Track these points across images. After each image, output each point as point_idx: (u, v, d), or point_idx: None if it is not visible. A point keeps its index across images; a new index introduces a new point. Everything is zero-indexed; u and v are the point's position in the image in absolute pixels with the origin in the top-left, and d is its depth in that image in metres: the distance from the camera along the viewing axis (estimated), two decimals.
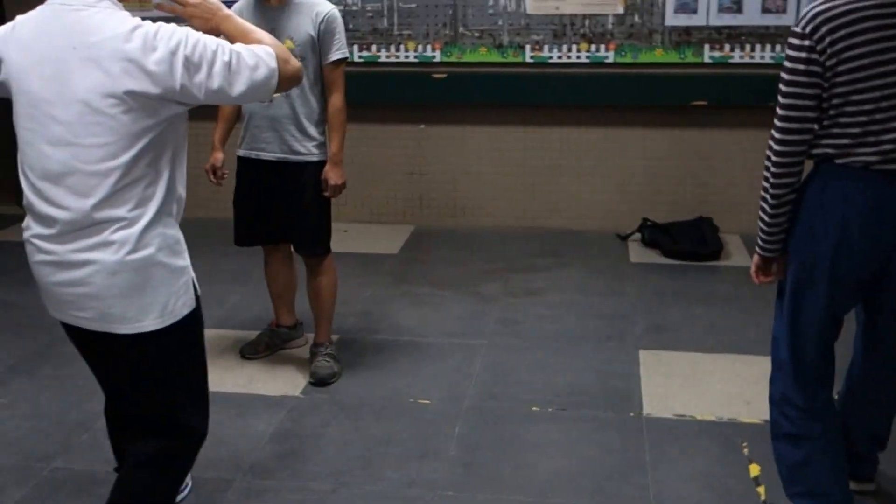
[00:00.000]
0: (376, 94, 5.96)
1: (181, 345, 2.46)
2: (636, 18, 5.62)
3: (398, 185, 6.13)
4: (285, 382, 3.92)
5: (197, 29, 2.33)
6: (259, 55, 2.28)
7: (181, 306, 2.39)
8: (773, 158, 2.56)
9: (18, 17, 2.34)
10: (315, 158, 3.78)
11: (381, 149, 6.08)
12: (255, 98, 2.37)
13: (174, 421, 2.51)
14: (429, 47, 5.84)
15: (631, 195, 5.90)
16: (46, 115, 2.22)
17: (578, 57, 5.72)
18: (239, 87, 2.25)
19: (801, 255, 2.61)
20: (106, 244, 2.26)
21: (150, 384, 2.46)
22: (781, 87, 2.53)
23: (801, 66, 2.48)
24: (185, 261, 2.41)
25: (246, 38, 2.36)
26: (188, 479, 3.13)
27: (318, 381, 3.88)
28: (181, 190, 2.41)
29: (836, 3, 2.44)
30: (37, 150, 2.26)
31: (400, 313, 4.66)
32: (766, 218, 2.62)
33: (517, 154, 5.96)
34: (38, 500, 3.09)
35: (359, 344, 4.30)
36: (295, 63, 2.36)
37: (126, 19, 2.22)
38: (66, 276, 2.30)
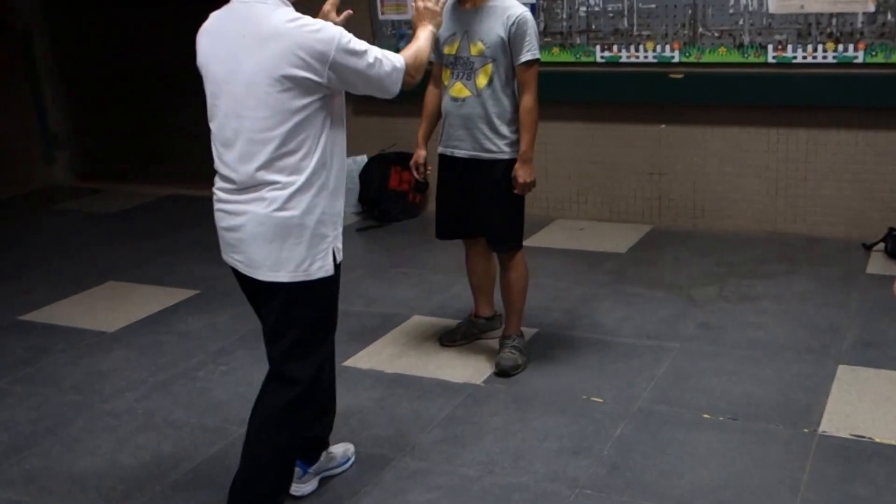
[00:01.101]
0: (617, 94, 5.93)
1: (309, 303, 2.76)
2: (889, 17, 5.15)
3: (638, 184, 6.05)
4: (471, 370, 4.06)
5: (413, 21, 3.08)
6: (393, 62, 2.73)
7: (316, 269, 2.71)
8: None
9: (211, 14, 2.79)
10: (506, 156, 3.88)
11: (621, 148, 6.03)
12: (380, 92, 2.76)
13: (293, 365, 2.80)
14: (668, 47, 5.70)
15: (880, 203, 5.42)
16: (223, 91, 2.66)
17: (825, 57, 5.34)
18: (373, 78, 2.69)
19: None
20: (260, 199, 2.65)
21: (272, 331, 2.80)
22: None
23: None
24: (329, 230, 2.72)
25: (410, 46, 2.91)
26: (350, 453, 3.38)
27: (501, 372, 3.99)
28: (334, 167, 2.72)
29: None
30: (218, 121, 2.70)
31: (603, 311, 4.64)
32: None
33: (759, 156, 5.67)
34: (225, 458, 3.46)
35: (554, 339, 4.35)
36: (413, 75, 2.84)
37: (289, 13, 2.61)
38: (230, 222, 2.74)
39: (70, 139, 8.49)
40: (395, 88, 2.76)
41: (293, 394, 2.81)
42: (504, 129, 3.86)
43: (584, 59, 5.96)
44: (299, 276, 2.70)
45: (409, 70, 2.78)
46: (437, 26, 3.09)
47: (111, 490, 3.33)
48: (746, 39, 5.50)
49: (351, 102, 6.50)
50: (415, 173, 4.12)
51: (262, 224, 2.66)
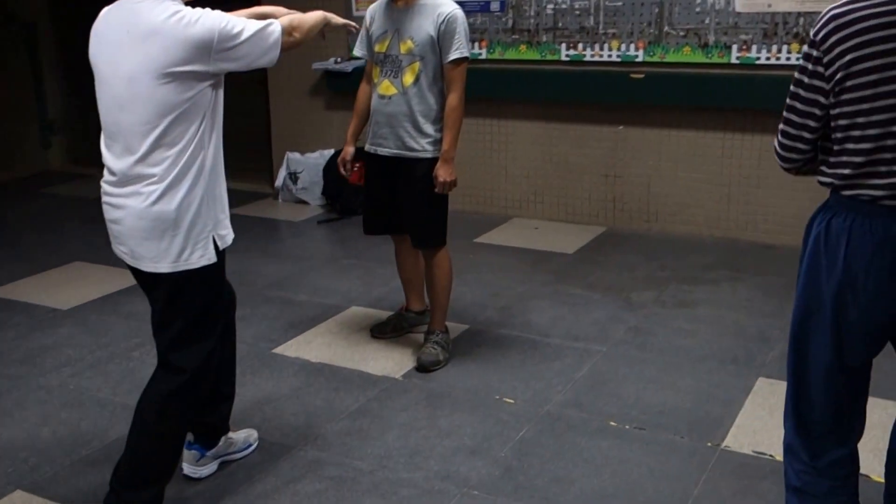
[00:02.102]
0: (578, 93, 5.83)
1: (192, 292, 2.72)
2: None
3: (593, 185, 5.95)
4: (393, 364, 4.00)
5: None
6: (271, 30, 2.69)
7: (197, 258, 2.67)
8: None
9: (102, 11, 2.71)
10: (429, 155, 3.80)
11: (579, 149, 5.93)
12: (266, 63, 2.71)
13: (180, 353, 2.76)
14: (632, 46, 5.60)
15: None
16: (108, 86, 2.62)
17: (788, 58, 5.23)
18: (255, 53, 2.65)
19: (805, 298, 2.27)
20: (137, 194, 2.61)
21: (159, 321, 2.76)
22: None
23: (805, 78, 2.16)
24: (208, 219, 2.67)
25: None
26: (252, 439, 3.33)
27: (420, 367, 3.92)
28: (211, 158, 2.68)
29: (854, 4, 2.08)
30: (102, 115, 2.66)
31: (538, 311, 4.56)
32: None
33: (715, 160, 5.57)
34: None
35: (482, 336, 4.28)
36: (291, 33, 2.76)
37: (170, 7, 2.54)
38: (113, 214, 2.70)
39: (66, 126, 8.63)
40: (276, 54, 2.72)
41: (178, 382, 2.77)
42: (428, 128, 3.78)
43: (549, 57, 5.87)
44: (181, 266, 2.67)
45: (285, 29, 2.73)
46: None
47: (23, 462, 3.30)
48: (711, 39, 5.40)
49: (324, 97, 6.56)
50: (341, 169, 4.06)
51: (140, 218, 2.64)
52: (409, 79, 3.74)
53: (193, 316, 2.77)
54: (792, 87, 2.20)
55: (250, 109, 7.08)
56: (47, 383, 3.90)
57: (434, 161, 3.79)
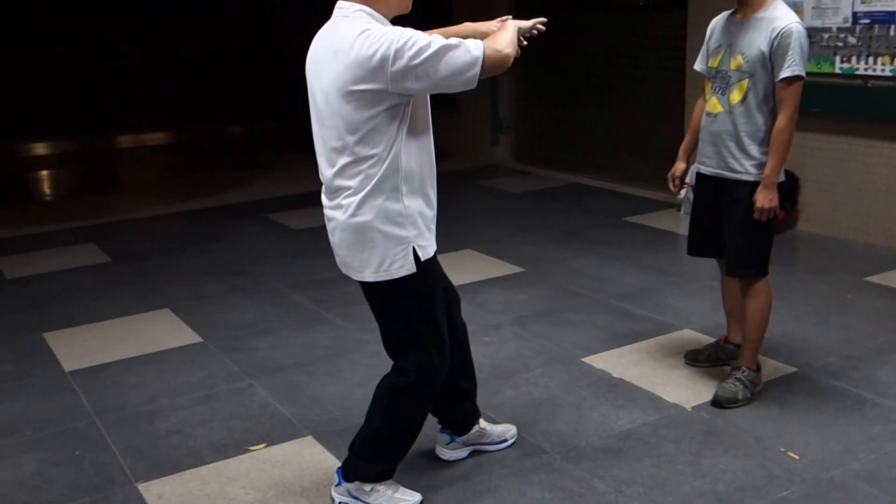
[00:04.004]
0: None
1: (398, 300, 2.76)
2: None
3: None
4: (690, 393, 3.71)
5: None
6: (465, 51, 2.50)
7: (397, 268, 2.69)
8: None
9: None
10: (752, 178, 3.46)
11: None
12: (458, 84, 2.53)
13: (402, 356, 2.85)
14: None
15: None
16: (313, 102, 2.71)
17: None
18: (442, 73, 2.49)
19: None
20: (339, 206, 2.70)
21: (379, 325, 2.86)
22: None
23: None
24: (405, 231, 2.68)
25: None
26: (509, 435, 3.36)
27: (715, 402, 3.60)
28: (408, 171, 2.65)
29: None
30: (313, 129, 2.74)
31: (889, 369, 3.88)
32: None
33: None
34: None
35: (805, 383, 3.78)
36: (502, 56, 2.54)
37: (359, 25, 2.52)
38: (328, 225, 2.81)
39: (514, 126, 9.27)
40: (471, 75, 2.50)
41: (402, 382, 2.85)
42: (754, 150, 3.45)
43: None
44: (382, 276, 2.70)
45: (489, 47, 2.53)
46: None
47: (328, 413, 3.68)
48: None
49: None
50: (670, 185, 3.86)
51: (343, 230, 2.71)
52: (736, 97, 3.45)
53: (403, 324, 2.81)
54: None
55: (669, 116, 6.96)
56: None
57: (756, 185, 3.45)
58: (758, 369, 3.69)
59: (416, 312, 2.79)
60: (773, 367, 3.91)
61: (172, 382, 4.06)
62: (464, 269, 5.49)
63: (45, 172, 10.75)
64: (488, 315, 4.73)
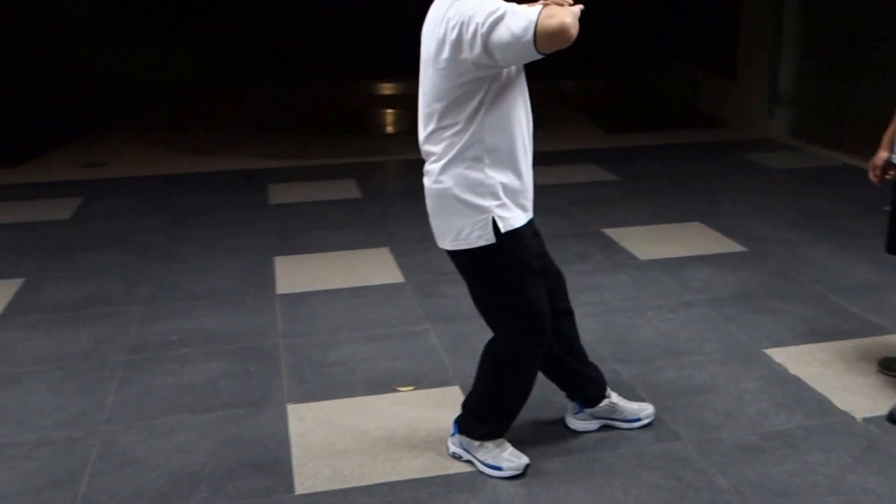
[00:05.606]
0: None
1: (480, 269, 2.75)
2: None
3: None
4: (869, 402, 3.33)
5: None
6: (522, 17, 2.35)
7: (475, 238, 2.67)
8: None
9: None
10: None
11: None
12: (515, 54, 2.39)
13: (493, 327, 2.84)
14: None
15: None
16: (421, 71, 2.71)
17: None
18: (503, 39, 2.35)
19: None
20: (427, 173, 2.75)
21: (470, 291, 2.87)
22: None
23: None
24: (485, 201, 2.64)
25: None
26: (644, 415, 3.21)
27: (890, 417, 3.19)
28: (491, 142, 2.60)
29: None
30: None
31: None
32: None
33: None
34: None
35: None
36: (554, 22, 2.29)
37: None
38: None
39: (795, 98, 8.61)
40: (528, 39, 2.30)
41: (501, 350, 2.85)
42: None
43: None
44: (461, 245, 2.69)
45: (543, 13, 2.31)
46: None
47: None
48: None
49: None
50: (871, 175, 3.43)
51: (430, 197, 2.73)
52: None
53: (487, 294, 2.80)
54: None
55: None
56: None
57: None
58: None
59: (500, 283, 2.75)
60: None
61: (359, 317, 4.27)
62: (680, 242, 5.27)
63: (381, 111, 11.44)
64: (685, 292, 4.50)
